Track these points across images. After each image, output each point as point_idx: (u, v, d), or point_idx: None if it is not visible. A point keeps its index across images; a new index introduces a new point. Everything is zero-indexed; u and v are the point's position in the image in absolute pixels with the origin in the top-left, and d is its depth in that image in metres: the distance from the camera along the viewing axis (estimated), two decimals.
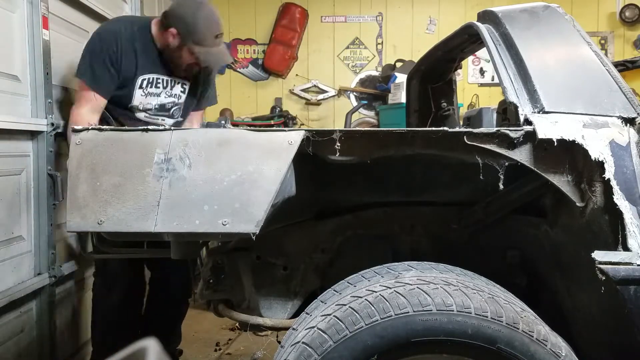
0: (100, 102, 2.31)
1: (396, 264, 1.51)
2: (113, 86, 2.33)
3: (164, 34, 2.33)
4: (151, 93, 2.43)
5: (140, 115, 2.44)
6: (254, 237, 1.30)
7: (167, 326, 2.71)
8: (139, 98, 2.40)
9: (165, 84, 2.45)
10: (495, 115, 2.09)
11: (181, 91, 2.51)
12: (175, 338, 2.80)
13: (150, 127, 1.38)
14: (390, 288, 1.32)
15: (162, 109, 2.48)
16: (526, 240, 1.72)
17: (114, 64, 2.30)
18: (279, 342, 1.55)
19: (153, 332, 2.49)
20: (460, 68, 2.46)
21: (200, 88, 2.58)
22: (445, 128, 1.38)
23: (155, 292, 2.72)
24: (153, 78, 2.41)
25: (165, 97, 2.46)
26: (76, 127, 1.38)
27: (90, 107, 2.28)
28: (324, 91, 5.48)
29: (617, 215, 1.35)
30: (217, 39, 2.35)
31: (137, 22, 2.45)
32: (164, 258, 2.50)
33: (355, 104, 5.43)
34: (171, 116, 2.52)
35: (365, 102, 5.42)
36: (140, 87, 2.39)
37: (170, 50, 2.35)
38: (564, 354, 1.28)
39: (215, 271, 1.75)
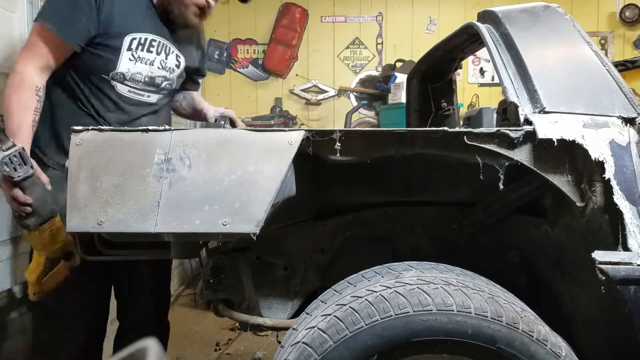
0: (59, 54, 1.79)
1: (396, 264, 1.51)
2: (86, 34, 1.80)
3: None
4: (142, 59, 1.92)
5: (123, 89, 1.92)
6: (254, 237, 1.30)
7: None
8: (126, 63, 1.88)
9: (159, 49, 1.96)
10: (495, 115, 2.09)
11: (175, 65, 2.04)
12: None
13: (150, 127, 1.38)
14: (390, 288, 1.32)
15: (151, 84, 1.98)
16: (526, 240, 1.72)
17: (93, 5, 1.79)
18: (279, 342, 1.55)
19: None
20: (460, 68, 2.46)
21: (195, 55, 2.18)
22: (445, 128, 1.38)
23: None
24: (146, 39, 1.91)
25: (158, 68, 1.98)
26: (76, 128, 1.38)
27: (39, 64, 1.78)
28: (324, 91, 5.48)
29: (617, 215, 1.35)
30: None
31: None
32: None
33: (355, 104, 5.43)
34: (158, 92, 2.03)
35: (365, 102, 5.42)
36: (130, 48, 1.88)
37: None
38: (564, 354, 1.28)
39: (215, 271, 1.75)
